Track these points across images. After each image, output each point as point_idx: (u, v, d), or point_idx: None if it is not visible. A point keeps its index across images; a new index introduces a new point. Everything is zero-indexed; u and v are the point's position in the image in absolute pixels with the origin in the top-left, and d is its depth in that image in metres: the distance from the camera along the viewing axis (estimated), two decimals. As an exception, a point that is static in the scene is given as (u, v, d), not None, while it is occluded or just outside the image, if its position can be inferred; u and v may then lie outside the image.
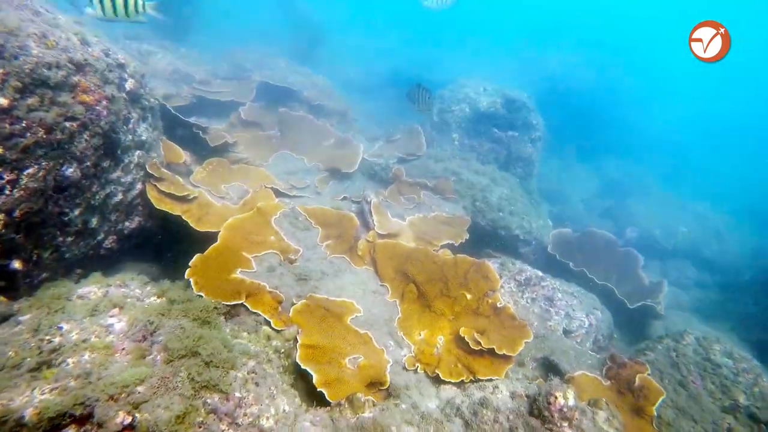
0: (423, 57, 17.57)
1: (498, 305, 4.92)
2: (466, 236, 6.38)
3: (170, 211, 4.86)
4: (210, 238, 4.89)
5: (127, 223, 4.89)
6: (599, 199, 12.46)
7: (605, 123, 14.37)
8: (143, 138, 4.87)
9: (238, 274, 4.32)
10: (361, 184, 7.75)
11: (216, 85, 8.66)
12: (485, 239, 7.47)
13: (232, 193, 6.05)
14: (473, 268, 5.25)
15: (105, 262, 4.86)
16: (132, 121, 4.61)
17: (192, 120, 7.68)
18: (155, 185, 4.91)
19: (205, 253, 4.44)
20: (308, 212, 5.61)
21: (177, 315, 3.34)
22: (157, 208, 4.83)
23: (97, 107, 3.84)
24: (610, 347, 5.71)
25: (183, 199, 5.10)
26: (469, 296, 5.06)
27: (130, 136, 4.58)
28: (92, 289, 3.60)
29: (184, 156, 5.84)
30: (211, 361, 2.84)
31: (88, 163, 3.90)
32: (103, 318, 3.29)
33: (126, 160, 4.61)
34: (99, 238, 4.55)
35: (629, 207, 11.16)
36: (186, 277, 4.01)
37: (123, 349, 3.00)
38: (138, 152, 4.82)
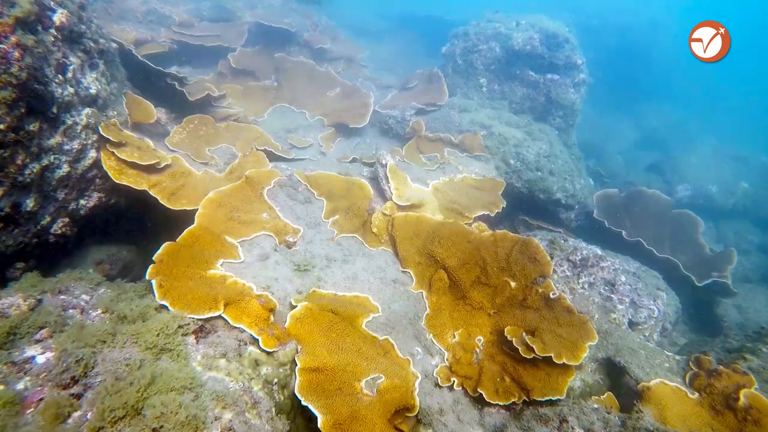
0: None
1: (551, 295, 3.92)
2: (503, 204, 5.30)
3: (133, 186, 3.84)
4: (187, 217, 3.90)
5: (82, 201, 3.91)
6: (641, 150, 11.12)
7: (643, 63, 12.73)
8: (92, 91, 3.77)
9: (218, 269, 3.35)
10: (373, 141, 6.62)
11: (200, 28, 7.39)
12: (520, 204, 6.38)
13: (217, 157, 4.99)
14: (517, 247, 4.20)
15: (58, 251, 3.93)
16: (70, 68, 3.50)
17: (171, 70, 6.52)
18: (113, 152, 3.87)
19: (176, 240, 3.45)
20: (310, 180, 4.55)
21: (125, 342, 2.40)
22: (117, 182, 3.81)
23: (2, 46, 2.74)
24: (680, 338, 4.74)
25: (151, 169, 4.07)
26: (513, 284, 4.06)
27: (70, 89, 3.49)
28: (15, 300, 2.65)
29: (156, 114, 4.75)
30: (162, 427, 1.89)
31: (1, 127, 2.84)
32: (22, 347, 2.36)
33: (68, 121, 3.54)
34: (43, 222, 3.59)
35: (677, 160, 9.84)
36: (147, 277, 3.04)
37: (38, 402, 2.07)
38: (87, 110, 3.74)
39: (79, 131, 3.65)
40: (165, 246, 3.34)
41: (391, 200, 4.67)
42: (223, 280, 3.18)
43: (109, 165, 3.81)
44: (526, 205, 6.45)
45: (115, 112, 4.22)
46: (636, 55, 13.19)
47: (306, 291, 3.55)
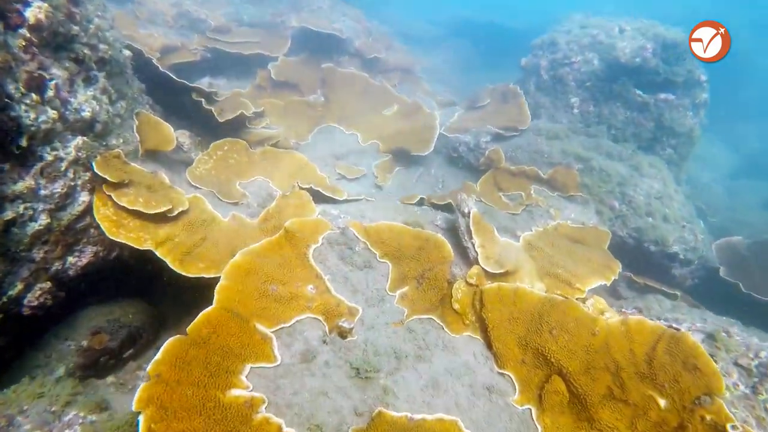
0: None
1: (729, 429, 2.64)
2: (619, 267, 4.04)
3: (134, 245, 2.83)
4: (209, 286, 2.87)
5: (71, 259, 2.97)
6: (743, 179, 9.52)
7: (742, 73, 11.06)
8: (85, 114, 2.81)
9: (243, 384, 2.28)
10: (438, 171, 5.51)
11: (237, 34, 6.50)
12: (622, 257, 5.07)
13: (250, 195, 3.97)
14: (663, 345, 2.95)
15: (41, 320, 2.97)
16: (52, 84, 2.53)
17: (203, 81, 5.64)
18: (110, 196, 2.88)
19: (187, 331, 2.41)
20: (370, 235, 3.44)
21: None
22: (112, 239, 2.81)
23: None
24: None
25: (161, 218, 3.07)
26: (662, 402, 2.81)
27: (52, 113, 2.52)
28: None
29: (175, 138, 3.78)
30: None
31: None
32: None
33: (48, 156, 2.57)
34: (11, 293, 2.66)
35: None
36: (135, 406, 1.99)
37: None
38: (78, 140, 2.78)
39: (63, 169, 2.69)
40: (168, 347, 2.30)
41: (478, 265, 3.50)
42: (247, 416, 2.09)
43: (103, 215, 2.82)
44: (629, 258, 5.15)
45: (121, 140, 3.25)
46: (731, 64, 11.56)
47: (369, 412, 2.44)
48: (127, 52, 3.54)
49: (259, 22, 7.07)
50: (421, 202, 4.45)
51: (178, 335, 2.41)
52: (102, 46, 2.96)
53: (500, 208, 4.72)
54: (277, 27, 7.03)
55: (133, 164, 3.24)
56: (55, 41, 2.58)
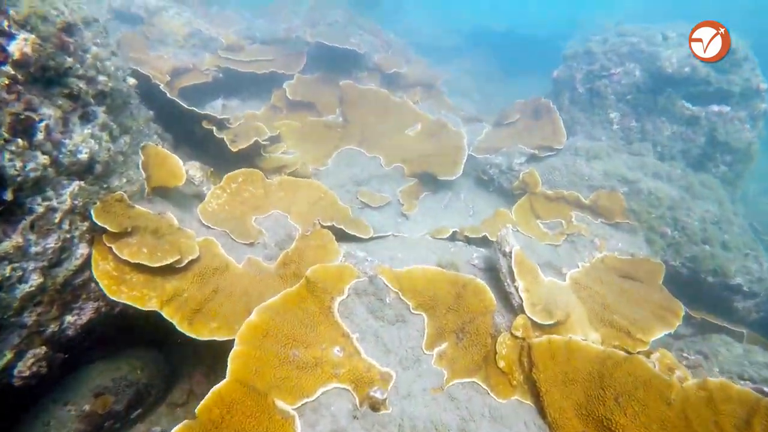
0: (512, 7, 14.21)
1: None
2: (682, 311, 3.59)
3: (137, 305, 2.51)
4: (221, 350, 2.52)
5: (70, 318, 2.67)
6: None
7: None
8: (82, 156, 2.50)
9: (261, 488, 1.90)
10: (468, 195, 5.12)
11: (251, 52, 6.24)
12: (676, 289, 4.61)
13: (267, 233, 3.64)
14: (761, 421, 2.50)
15: (37, 385, 2.66)
16: (41, 125, 2.23)
17: (216, 103, 5.37)
18: (110, 248, 2.56)
19: (195, 419, 2.07)
20: (402, 283, 3.06)
21: None
22: (113, 299, 2.49)
23: None
24: None
25: (167, 270, 2.74)
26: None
27: (42, 158, 2.21)
28: None
29: (185, 172, 3.46)
30: None
31: None
32: None
33: (39, 208, 2.26)
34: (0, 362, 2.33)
35: None
36: None
37: None
38: (75, 185, 2.47)
39: (58, 221, 2.38)
40: (173, 438, 1.94)
41: (523, 314, 3.09)
42: None
43: (102, 271, 2.51)
44: (684, 289, 4.67)
45: (124, 179, 2.95)
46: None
47: None
48: (131, 80, 3.25)
49: (273, 38, 6.80)
50: (453, 236, 4.06)
51: (185, 421, 2.06)
52: (101, 78, 2.66)
53: (539, 239, 4.32)
54: (292, 43, 6.75)
55: (137, 207, 2.93)
56: (46, 76, 2.28)
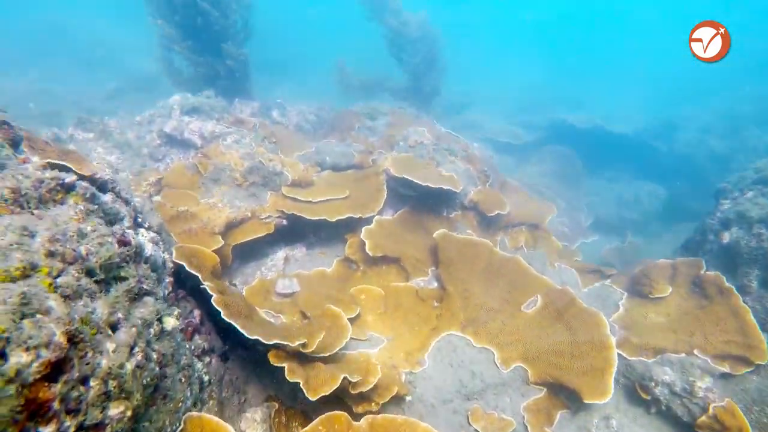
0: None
1: None
2: None
3: None
4: None
5: None
6: None
7: None
8: None
9: None
10: (624, 420, 3.67)
11: (320, 188, 5.21)
12: None
13: None
14: None
15: None
16: None
17: (278, 258, 4.32)
18: None
19: None
20: None
21: None
22: None
23: None
24: None
25: None
26: None
27: None
28: None
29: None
30: None
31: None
32: None
33: None
34: None
35: None
36: None
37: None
38: None
39: None
40: None
41: None
42: None
43: None
44: None
45: None
46: None
47: None
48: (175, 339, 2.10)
49: (346, 163, 5.81)
50: None
51: None
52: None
53: None
54: (368, 170, 5.73)
55: None
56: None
